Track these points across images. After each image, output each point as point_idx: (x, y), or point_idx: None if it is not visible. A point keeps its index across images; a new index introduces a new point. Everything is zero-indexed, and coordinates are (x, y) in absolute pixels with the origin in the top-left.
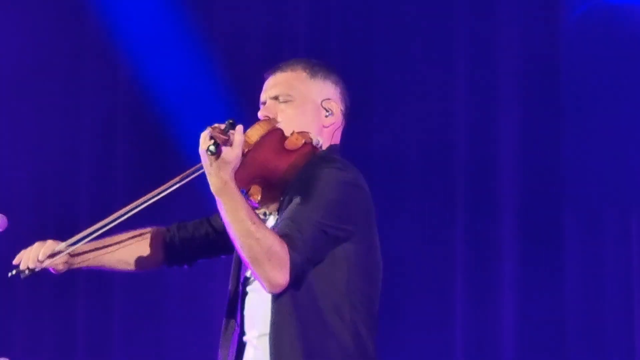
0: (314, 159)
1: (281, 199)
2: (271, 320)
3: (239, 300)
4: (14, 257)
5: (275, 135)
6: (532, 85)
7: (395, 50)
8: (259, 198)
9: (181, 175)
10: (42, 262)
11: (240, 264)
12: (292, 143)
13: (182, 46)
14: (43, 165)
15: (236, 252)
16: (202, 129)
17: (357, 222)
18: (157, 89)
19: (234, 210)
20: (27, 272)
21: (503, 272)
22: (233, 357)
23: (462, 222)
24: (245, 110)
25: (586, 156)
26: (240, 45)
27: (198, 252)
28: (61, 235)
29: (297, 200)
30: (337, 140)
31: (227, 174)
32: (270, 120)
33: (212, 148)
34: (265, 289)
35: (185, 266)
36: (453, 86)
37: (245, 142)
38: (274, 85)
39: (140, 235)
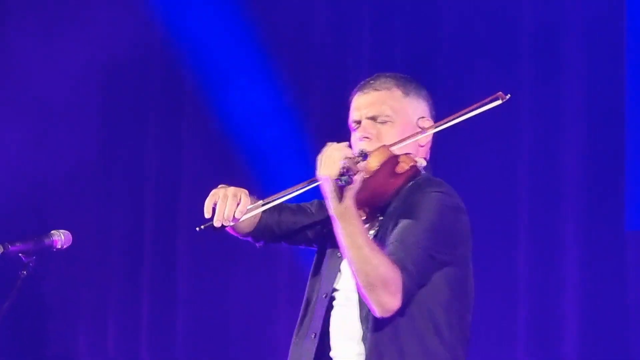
0: (417, 181)
1: (380, 218)
2: (369, 342)
3: (324, 313)
4: (77, 272)
5: (392, 161)
6: (596, 98)
7: (459, 56)
8: (364, 219)
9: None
10: (238, 219)
11: (322, 275)
12: (402, 167)
13: (245, 55)
14: (107, 171)
15: (319, 258)
16: (268, 135)
17: (460, 247)
18: (222, 98)
19: (353, 235)
20: (219, 227)
21: (566, 276)
22: None
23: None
24: (309, 121)
25: None
26: (303, 52)
27: (276, 236)
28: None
29: (405, 223)
30: (428, 156)
31: (351, 200)
32: (386, 147)
33: (345, 179)
34: (375, 312)
35: (258, 244)
36: (518, 93)
37: (366, 169)
38: (369, 104)
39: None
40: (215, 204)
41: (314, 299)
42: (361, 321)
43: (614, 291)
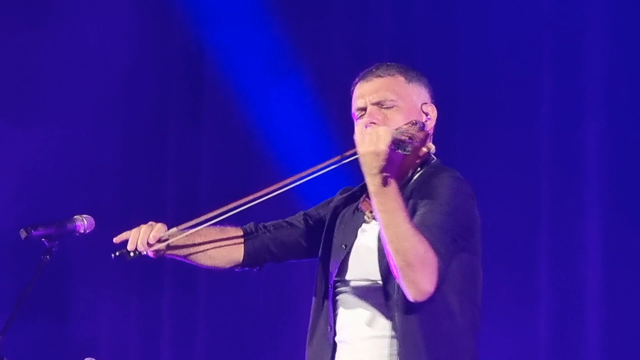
0: (429, 167)
1: None
2: (397, 325)
3: (330, 303)
4: (99, 256)
5: (424, 141)
6: (618, 88)
7: (479, 53)
8: None
9: (322, 164)
10: (151, 245)
11: (329, 267)
12: (422, 150)
13: (267, 51)
14: (130, 166)
15: (322, 254)
16: (288, 132)
17: (474, 232)
18: (243, 97)
19: (394, 212)
20: (132, 254)
21: (587, 275)
22: (329, 358)
23: (547, 225)
24: (331, 116)
25: None
26: (325, 52)
27: (274, 254)
28: None
29: (427, 207)
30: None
31: (393, 175)
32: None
33: (407, 147)
34: (409, 295)
35: (255, 269)
36: (538, 88)
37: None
38: (374, 90)
39: (226, 232)
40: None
41: (322, 292)
42: (376, 305)
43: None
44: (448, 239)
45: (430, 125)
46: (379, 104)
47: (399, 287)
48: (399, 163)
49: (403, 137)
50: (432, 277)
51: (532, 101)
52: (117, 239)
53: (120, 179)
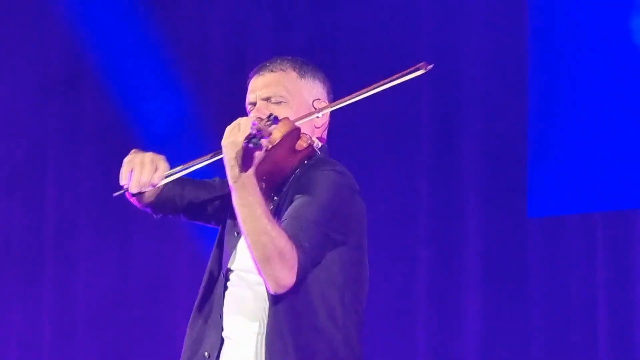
0: (311, 160)
1: (275, 198)
2: (268, 321)
3: (222, 292)
4: None
5: (294, 135)
6: (499, 85)
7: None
8: None
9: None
10: (156, 184)
11: (222, 251)
12: (300, 145)
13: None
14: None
15: (220, 236)
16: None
17: (354, 227)
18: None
19: (252, 206)
20: (136, 192)
21: (468, 264)
22: (216, 352)
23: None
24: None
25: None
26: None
27: (176, 208)
28: None
29: (300, 200)
30: (324, 139)
31: (252, 169)
32: (289, 119)
33: (255, 141)
34: (269, 289)
35: (158, 216)
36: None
37: (272, 137)
38: (264, 85)
39: None
40: (132, 171)
41: (214, 278)
42: (260, 300)
43: (516, 279)
44: (318, 233)
45: (322, 121)
46: (268, 99)
47: None
48: (258, 157)
49: (252, 131)
50: (292, 270)
51: (412, 93)
52: (123, 179)
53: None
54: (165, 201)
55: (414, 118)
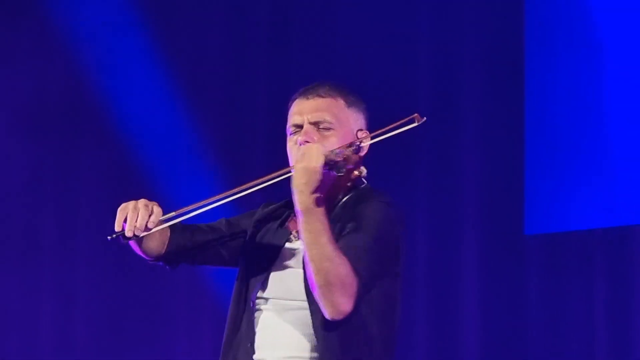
0: (362, 189)
1: None
2: (317, 345)
3: (253, 321)
4: None
5: (358, 165)
6: (496, 100)
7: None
8: None
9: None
10: (150, 230)
11: (249, 282)
12: (355, 173)
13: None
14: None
15: (243, 269)
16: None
17: (400, 259)
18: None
19: (319, 232)
20: (130, 236)
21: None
22: None
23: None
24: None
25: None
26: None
27: (189, 254)
28: None
29: (355, 230)
30: None
31: (321, 195)
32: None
33: (341, 169)
34: (326, 314)
35: (169, 267)
36: (417, 92)
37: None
38: (314, 110)
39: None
40: (126, 217)
41: (242, 310)
42: (300, 325)
43: (513, 295)
44: (371, 262)
45: (364, 152)
46: (316, 124)
47: (319, 308)
48: (329, 184)
49: (338, 158)
50: (351, 298)
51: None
52: (117, 226)
53: None
54: (176, 251)
55: (411, 135)
